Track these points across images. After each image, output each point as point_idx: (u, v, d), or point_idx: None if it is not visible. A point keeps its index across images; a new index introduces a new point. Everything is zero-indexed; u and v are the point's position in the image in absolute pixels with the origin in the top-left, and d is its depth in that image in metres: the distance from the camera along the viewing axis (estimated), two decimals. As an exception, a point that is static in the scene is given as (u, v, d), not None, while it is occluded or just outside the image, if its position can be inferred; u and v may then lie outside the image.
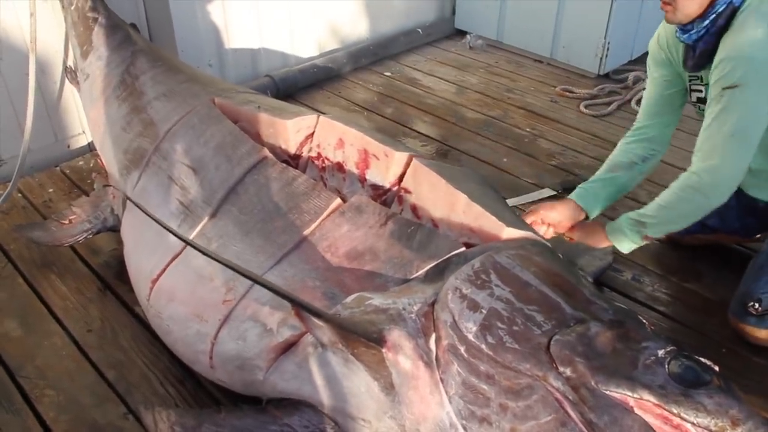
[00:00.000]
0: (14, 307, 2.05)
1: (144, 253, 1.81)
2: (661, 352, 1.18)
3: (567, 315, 1.28)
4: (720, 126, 1.71)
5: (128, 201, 1.89)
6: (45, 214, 2.47)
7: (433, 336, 1.31)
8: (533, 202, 2.56)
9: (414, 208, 1.71)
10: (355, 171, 1.85)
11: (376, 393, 1.32)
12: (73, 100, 2.77)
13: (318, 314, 1.31)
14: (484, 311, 1.29)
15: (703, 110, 1.86)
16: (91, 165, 2.79)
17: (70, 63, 2.67)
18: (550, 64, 3.98)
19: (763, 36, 1.66)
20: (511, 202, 2.18)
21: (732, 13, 1.71)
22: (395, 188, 1.78)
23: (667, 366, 1.16)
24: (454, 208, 1.59)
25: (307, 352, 1.42)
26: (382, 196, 1.80)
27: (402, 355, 1.29)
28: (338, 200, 1.62)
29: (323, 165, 1.94)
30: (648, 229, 1.84)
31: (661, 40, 2.00)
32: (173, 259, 1.70)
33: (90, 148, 2.86)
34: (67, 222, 2.16)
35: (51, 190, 2.65)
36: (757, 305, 1.88)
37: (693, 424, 1.10)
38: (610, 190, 2.04)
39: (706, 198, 1.79)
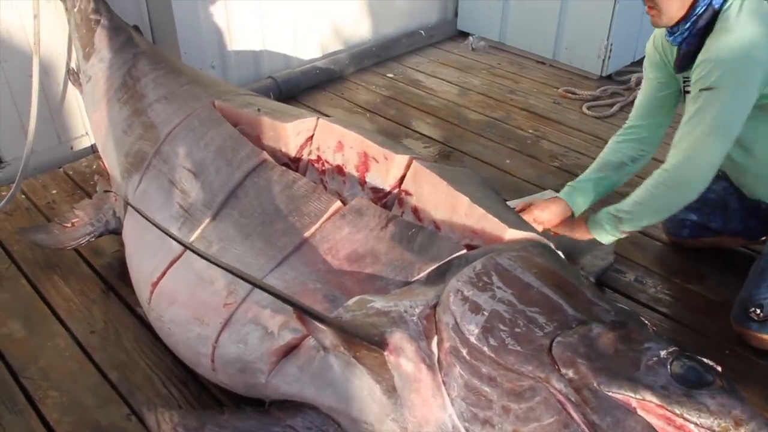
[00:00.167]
0: (18, 308, 2.06)
1: (145, 256, 1.81)
2: (663, 353, 1.18)
3: (569, 316, 1.28)
4: (694, 126, 1.75)
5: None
6: (48, 216, 2.48)
7: (435, 338, 1.31)
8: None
9: (415, 210, 1.71)
10: (355, 174, 1.85)
11: (378, 396, 1.32)
12: (76, 102, 2.78)
13: (319, 318, 1.32)
14: (485, 313, 1.29)
15: None
16: (94, 167, 2.79)
17: (73, 65, 2.67)
18: (553, 65, 3.98)
19: (740, 39, 1.69)
20: (513, 204, 2.17)
21: (713, 15, 1.74)
22: (396, 191, 1.78)
23: (669, 367, 1.16)
24: (455, 210, 1.59)
25: (308, 356, 1.42)
26: (382, 199, 1.80)
27: (404, 358, 1.29)
28: (338, 203, 1.62)
29: (323, 168, 1.94)
30: (624, 224, 1.89)
31: (656, 42, 2.02)
32: (173, 262, 1.70)
33: (93, 149, 2.87)
34: (69, 225, 2.17)
35: (54, 191, 2.66)
36: (758, 311, 1.88)
37: (696, 424, 1.10)
38: (598, 190, 2.08)
39: (678, 195, 1.84)
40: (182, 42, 3.02)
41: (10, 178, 2.57)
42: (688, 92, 1.95)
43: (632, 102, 3.41)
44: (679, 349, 1.20)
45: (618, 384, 1.15)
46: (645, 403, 1.13)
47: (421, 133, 3.21)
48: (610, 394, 1.15)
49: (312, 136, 1.96)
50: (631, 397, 1.14)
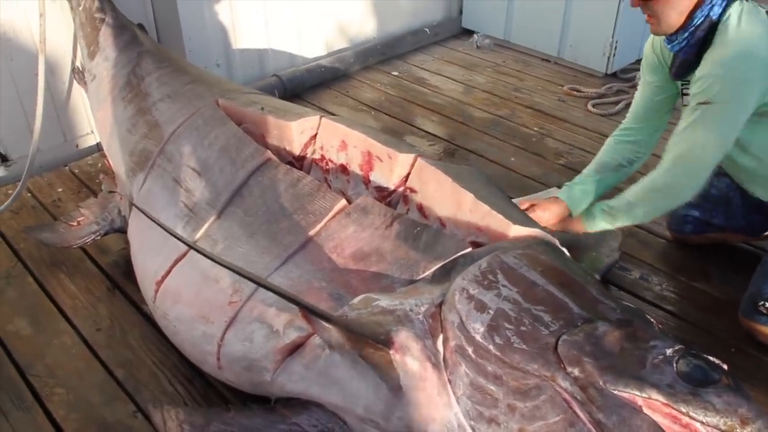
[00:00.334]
0: (24, 306, 2.07)
1: (150, 255, 1.81)
2: (669, 351, 1.18)
3: (574, 315, 1.28)
4: (690, 134, 1.79)
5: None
6: (54, 214, 2.48)
7: (441, 337, 1.31)
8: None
9: (420, 208, 1.71)
10: (359, 173, 1.85)
11: (383, 394, 1.32)
12: (81, 100, 2.79)
13: (325, 316, 1.32)
14: (491, 312, 1.29)
15: None
16: (100, 165, 2.80)
17: (78, 63, 2.68)
18: (558, 63, 3.97)
19: (739, 54, 1.70)
20: (518, 201, 2.17)
21: (711, 27, 1.74)
22: (400, 189, 1.78)
23: (675, 365, 1.15)
24: (460, 207, 1.59)
25: (314, 354, 1.42)
26: (386, 197, 1.79)
27: (409, 357, 1.29)
28: (343, 201, 1.62)
29: (327, 167, 1.93)
30: (617, 221, 1.94)
31: (655, 45, 2.04)
32: (178, 260, 1.70)
33: (98, 147, 2.87)
34: (75, 224, 2.18)
35: (60, 189, 2.67)
36: (767, 304, 1.88)
37: (702, 423, 1.09)
38: (598, 192, 2.11)
39: (669, 199, 1.90)
40: (187, 40, 3.02)
41: (16, 176, 2.58)
42: (686, 95, 1.96)
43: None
44: (684, 347, 1.20)
45: (624, 382, 1.15)
46: (651, 402, 1.13)
47: (426, 131, 3.21)
48: (615, 392, 1.15)
49: (315, 135, 1.96)
50: (637, 395, 1.14)
